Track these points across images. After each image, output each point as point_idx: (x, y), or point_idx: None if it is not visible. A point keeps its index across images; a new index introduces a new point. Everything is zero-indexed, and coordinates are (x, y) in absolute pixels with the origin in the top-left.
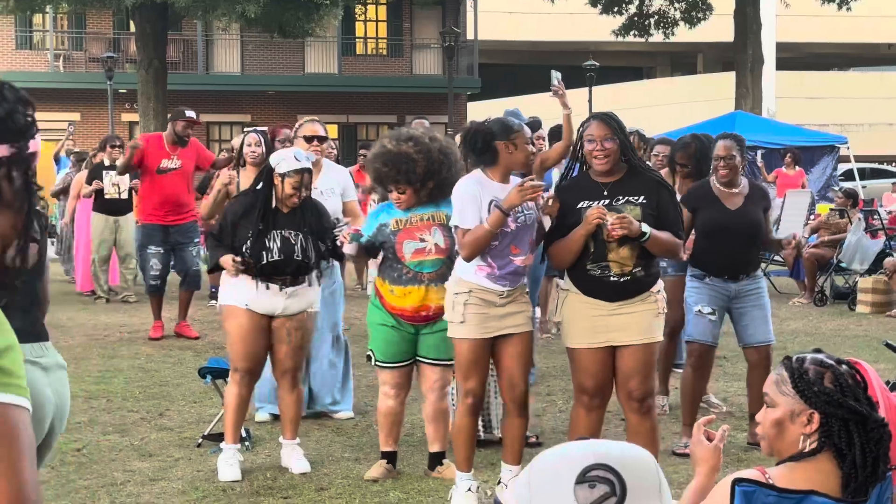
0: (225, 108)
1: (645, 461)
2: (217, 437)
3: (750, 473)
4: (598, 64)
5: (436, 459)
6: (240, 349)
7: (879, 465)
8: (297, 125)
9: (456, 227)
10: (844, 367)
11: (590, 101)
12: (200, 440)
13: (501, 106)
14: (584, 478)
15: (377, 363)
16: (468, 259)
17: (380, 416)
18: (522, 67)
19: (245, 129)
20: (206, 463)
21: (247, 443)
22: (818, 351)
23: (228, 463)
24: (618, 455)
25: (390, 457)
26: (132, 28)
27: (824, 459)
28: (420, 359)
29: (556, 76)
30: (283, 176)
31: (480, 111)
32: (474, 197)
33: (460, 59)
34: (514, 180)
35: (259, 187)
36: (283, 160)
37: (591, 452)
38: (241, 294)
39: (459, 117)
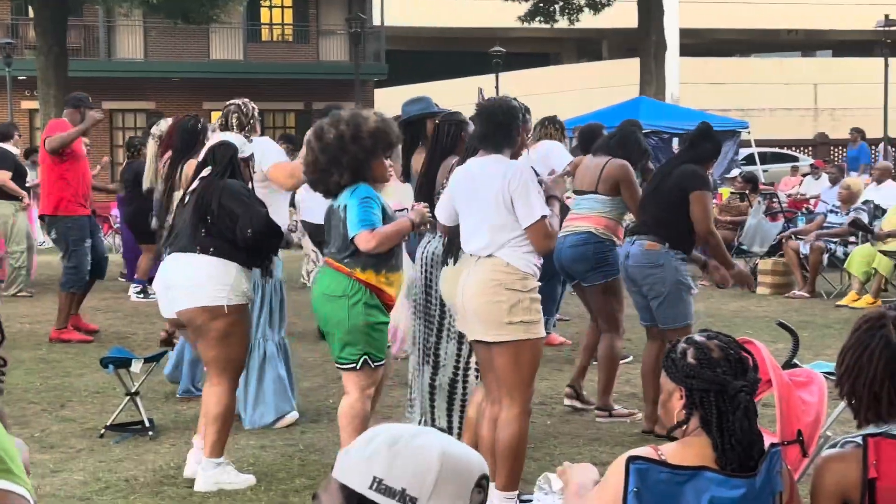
0: (128, 96)
1: None
2: (119, 428)
3: (643, 451)
4: (504, 50)
5: None
6: (246, 350)
7: (750, 433)
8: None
9: (544, 216)
10: (715, 342)
11: (497, 87)
12: (103, 431)
13: (409, 92)
14: (478, 483)
15: (377, 364)
16: (551, 250)
17: (357, 421)
18: (430, 54)
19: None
20: (108, 454)
21: (150, 432)
22: (704, 331)
23: (236, 474)
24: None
25: None
26: (31, 13)
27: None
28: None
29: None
30: (248, 160)
31: (388, 98)
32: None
33: (367, 46)
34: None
35: (222, 173)
36: (244, 145)
37: (483, 463)
38: (241, 286)
39: (367, 104)
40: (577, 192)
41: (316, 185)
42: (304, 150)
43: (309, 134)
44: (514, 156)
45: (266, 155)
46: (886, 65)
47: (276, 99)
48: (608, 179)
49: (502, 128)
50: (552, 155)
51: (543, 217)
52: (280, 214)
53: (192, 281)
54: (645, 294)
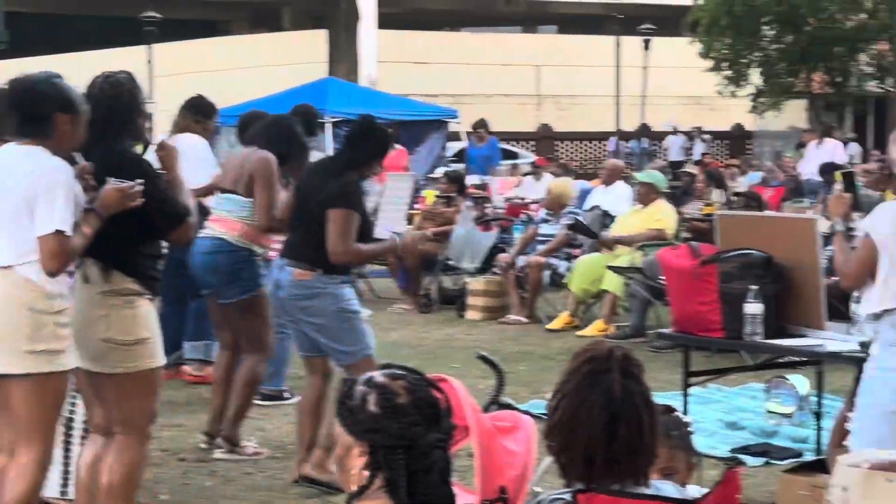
0: None
1: None
2: None
3: None
4: (160, 16)
5: None
6: None
7: (446, 497)
8: None
9: (60, 232)
10: (401, 383)
11: (150, 62)
12: None
13: (36, 67)
14: None
15: None
16: (58, 273)
17: None
18: (64, 18)
19: None
20: None
21: None
22: (387, 366)
23: None
24: None
25: None
26: None
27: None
28: None
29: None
30: None
31: (7, 74)
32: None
33: None
34: None
35: None
36: None
37: None
38: None
39: None
40: (220, 190)
41: None
42: None
43: None
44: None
45: None
46: (618, 45)
47: None
48: (245, 177)
49: (26, 116)
50: (194, 154)
51: (59, 232)
52: None
53: None
54: (305, 330)
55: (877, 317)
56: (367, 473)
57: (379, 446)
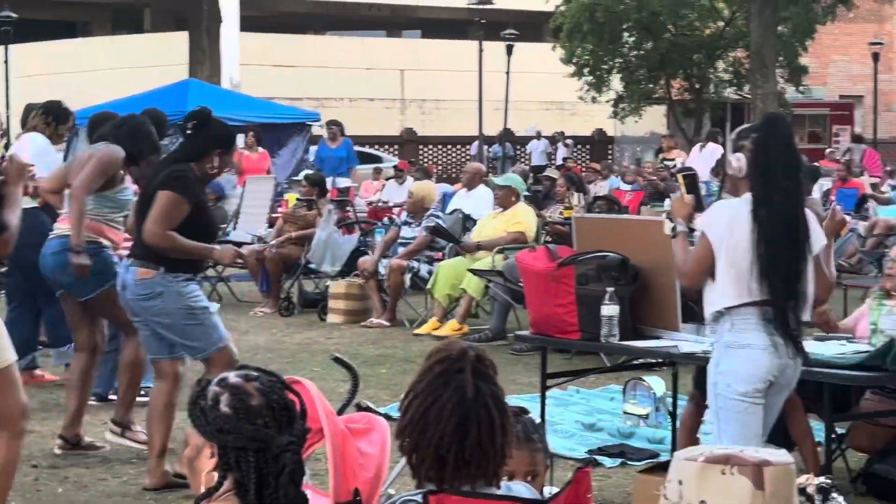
0: None
1: None
2: None
3: None
4: (15, 16)
5: None
6: None
7: (297, 499)
8: None
9: None
10: (255, 384)
11: (6, 62)
12: None
13: None
14: None
15: None
16: None
17: None
18: None
19: None
20: None
21: None
22: (243, 367)
23: None
24: None
25: None
26: None
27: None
28: None
29: None
30: None
31: None
32: None
33: None
34: None
35: None
36: None
37: None
38: None
39: None
40: (67, 187)
41: None
42: None
43: None
44: None
45: None
46: (481, 49)
47: None
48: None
49: None
50: (35, 150)
51: None
52: None
53: None
54: (155, 330)
55: (716, 318)
56: (216, 475)
57: (230, 447)
